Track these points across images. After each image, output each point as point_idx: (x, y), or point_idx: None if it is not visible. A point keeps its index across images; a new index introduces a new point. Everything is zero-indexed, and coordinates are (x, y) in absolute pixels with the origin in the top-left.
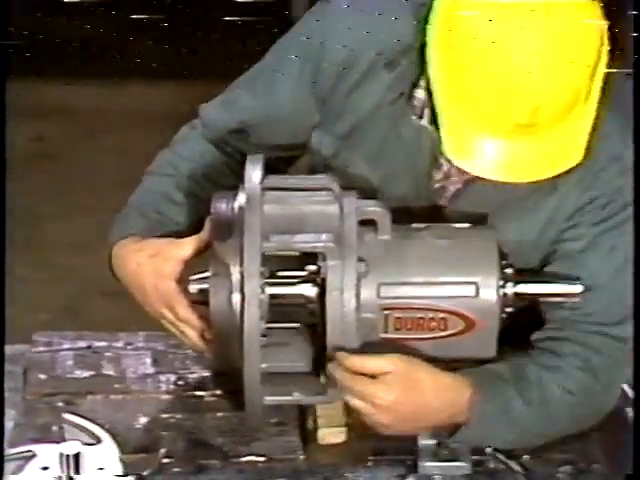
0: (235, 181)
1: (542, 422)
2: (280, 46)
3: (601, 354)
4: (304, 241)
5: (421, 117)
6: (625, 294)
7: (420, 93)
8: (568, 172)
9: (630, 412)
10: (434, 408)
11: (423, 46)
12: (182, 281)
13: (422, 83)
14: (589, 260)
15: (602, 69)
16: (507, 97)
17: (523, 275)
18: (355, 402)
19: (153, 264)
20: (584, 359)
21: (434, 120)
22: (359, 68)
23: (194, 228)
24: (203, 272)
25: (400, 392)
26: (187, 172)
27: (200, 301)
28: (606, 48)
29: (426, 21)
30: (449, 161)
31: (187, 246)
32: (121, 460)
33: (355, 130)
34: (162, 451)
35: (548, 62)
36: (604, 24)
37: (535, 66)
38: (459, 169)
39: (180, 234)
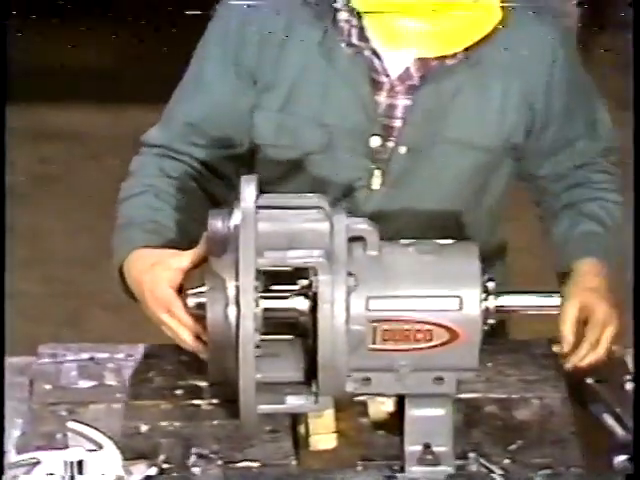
0: (202, 186)
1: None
2: (198, 51)
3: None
4: (296, 257)
5: (351, 42)
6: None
7: (343, 15)
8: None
9: (609, 419)
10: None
11: None
12: (180, 289)
13: (340, 1)
14: (566, 127)
15: None
16: None
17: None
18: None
19: (153, 272)
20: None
21: (361, 36)
22: (278, 26)
23: (187, 233)
24: (200, 286)
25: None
26: (158, 186)
27: (197, 314)
28: None
29: None
30: (387, 75)
31: (186, 257)
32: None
33: (293, 91)
34: (161, 457)
35: None
36: None
37: None
38: (401, 78)
39: (179, 245)
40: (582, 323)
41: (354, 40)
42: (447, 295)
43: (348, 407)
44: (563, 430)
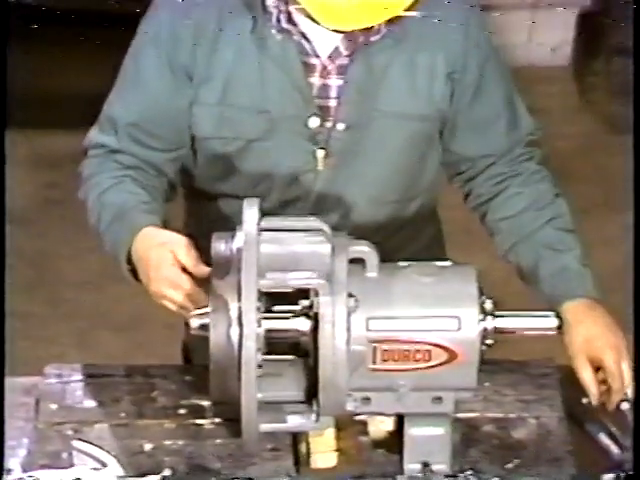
0: (158, 178)
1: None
2: (133, 49)
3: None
4: (298, 278)
5: (281, 27)
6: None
7: (271, 1)
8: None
9: (605, 438)
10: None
11: None
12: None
13: None
14: (489, 102)
15: None
16: None
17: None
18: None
19: (159, 250)
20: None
21: (290, 19)
22: (210, 20)
23: None
24: (203, 308)
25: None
26: (129, 175)
27: (200, 335)
28: None
29: None
30: (318, 56)
31: (178, 239)
32: None
33: (230, 81)
34: (165, 473)
35: None
36: None
37: None
38: (331, 58)
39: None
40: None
41: (284, 24)
42: (445, 316)
43: (348, 426)
44: (559, 449)
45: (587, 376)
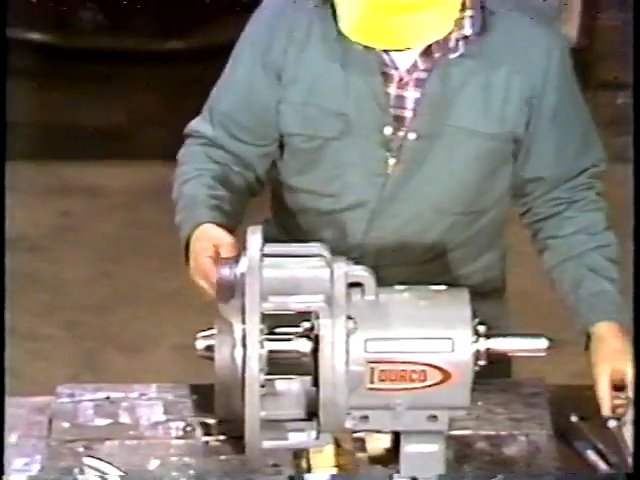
0: (240, 175)
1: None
2: (234, 52)
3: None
4: (299, 301)
5: None
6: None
7: None
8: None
9: (592, 455)
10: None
11: None
12: (217, 261)
13: None
14: (562, 131)
15: None
16: None
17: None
18: None
19: (204, 243)
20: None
21: None
22: (301, 26)
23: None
24: (209, 330)
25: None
26: (211, 169)
27: (206, 356)
28: None
29: None
30: (396, 68)
31: (226, 238)
32: None
33: (314, 84)
34: None
35: None
36: None
37: None
38: (409, 71)
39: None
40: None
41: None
42: (440, 337)
43: (347, 442)
44: (548, 465)
45: (604, 385)
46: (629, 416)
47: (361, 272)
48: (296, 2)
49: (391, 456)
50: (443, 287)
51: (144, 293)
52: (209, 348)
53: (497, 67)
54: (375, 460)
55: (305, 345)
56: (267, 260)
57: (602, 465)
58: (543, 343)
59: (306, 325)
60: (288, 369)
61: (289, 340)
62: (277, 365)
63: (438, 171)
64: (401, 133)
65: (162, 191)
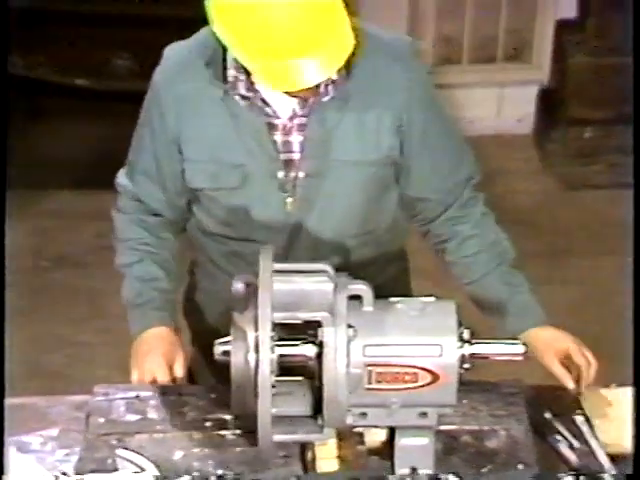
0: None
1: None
2: (141, 115)
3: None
4: (305, 312)
5: (243, 95)
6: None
7: (231, 72)
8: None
9: (564, 447)
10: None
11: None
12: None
13: (229, 64)
14: (436, 149)
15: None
16: (282, 36)
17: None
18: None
19: (157, 359)
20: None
21: (251, 88)
22: (189, 90)
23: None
24: (226, 337)
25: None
26: (149, 250)
27: (223, 360)
28: None
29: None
30: (276, 117)
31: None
32: None
33: (211, 141)
34: (194, 477)
35: (293, 11)
36: None
37: (288, 15)
38: (290, 118)
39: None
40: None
41: (245, 93)
42: (429, 344)
43: (348, 436)
44: (525, 457)
45: (558, 369)
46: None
47: (360, 286)
48: (182, 74)
49: (387, 448)
50: (432, 299)
51: None
52: (226, 353)
53: (365, 105)
54: (372, 452)
55: (311, 350)
56: (277, 276)
57: (572, 456)
58: (520, 348)
59: (312, 333)
60: (296, 371)
61: (296, 346)
62: (286, 368)
63: (331, 201)
64: (292, 174)
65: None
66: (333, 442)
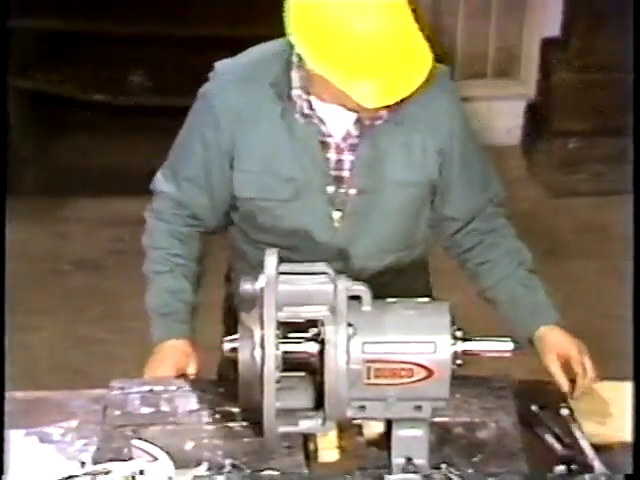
0: (202, 241)
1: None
2: (186, 124)
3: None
4: (308, 311)
5: (304, 113)
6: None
7: (296, 92)
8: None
9: (550, 438)
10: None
11: (289, 60)
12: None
13: (294, 84)
14: (469, 170)
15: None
16: (371, 49)
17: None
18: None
19: (166, 366)
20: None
21: (310, 107)
22: (250, 107)
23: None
24: (233, 334)
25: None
26: (176, 262)
27: (231, 356)
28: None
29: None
30: (330, 136)
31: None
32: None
33: (266, 155)
34: (204, 466)
35: (386, 28)
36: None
37: (379, 23)
38: (344, 138)
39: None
40: (565, 366)
41: (305, 111)
42: (424, 341)
43: (348, 428)
44: (514, 447)
45: (555, 370)
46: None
47: (359, 287)
48: (241, 89)
49: (384, 439)
50: (427, 299)
51: None
52: (233, 350)
53: (414, 129)
54: (371, 443)
55: (313, 347)
56: (282, 277)
57: (557, 446)
58: (509, 345)
59: (314, 331)
60: (299, 367)
61: (300, 343)
62: (290, 364)
63: (376, 218)
64: (342, 190)
65: None
66: (334, 433)
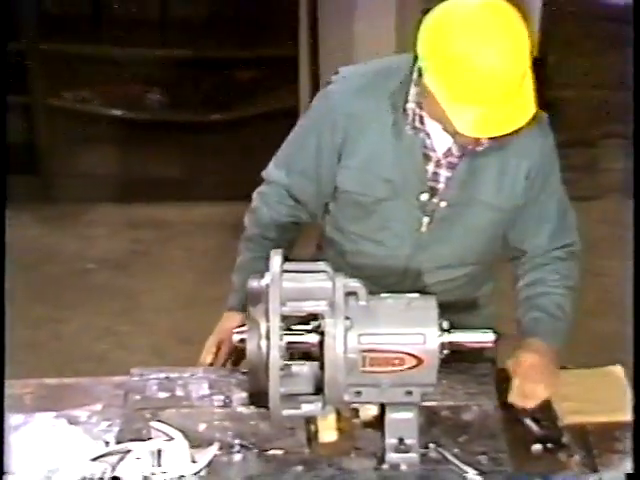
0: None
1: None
2: (303, 122)
3: (570, 262)
4: (309, 306)
5: (414, 125)
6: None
7: (410, 105)
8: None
9: (528, 420)
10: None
11: (408, 75)
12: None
13: (410, 98)
14: (544, 205)
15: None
16: (487, 82)
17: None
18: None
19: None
20: (567, 270)
21: (421, 121)
22: (365, 112)
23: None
24: (242, 327)
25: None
26: (270, 240)
27: (240, 346)
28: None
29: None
30: (435, 151)
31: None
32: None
33: (371, 156)
34: (215, 446)
35: (507, 57)
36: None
37: (501, 60)
38: (445, 155)
39: None
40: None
41: (416, 124)
42: (414, 333)
43: (345, 411)
44: (495, 428)
45: (513, 397)
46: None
47: (356, 284)
48: (361, 95)
49: (378, 422)
50: (416, 295)
51: (196, 299)
52: (242, 340)
53: (508, 157)
54: (366, 425)
55: (314, 338)
56: (285, 275)
57: (535, 427)
58: (491, 336)
59: (315, 323)
60: (301, 356)
61: (302, 334)
62: (293, 353)
63: (461, 231)
64: (435, 200)
65: (208, 225)
66: (333, 416)
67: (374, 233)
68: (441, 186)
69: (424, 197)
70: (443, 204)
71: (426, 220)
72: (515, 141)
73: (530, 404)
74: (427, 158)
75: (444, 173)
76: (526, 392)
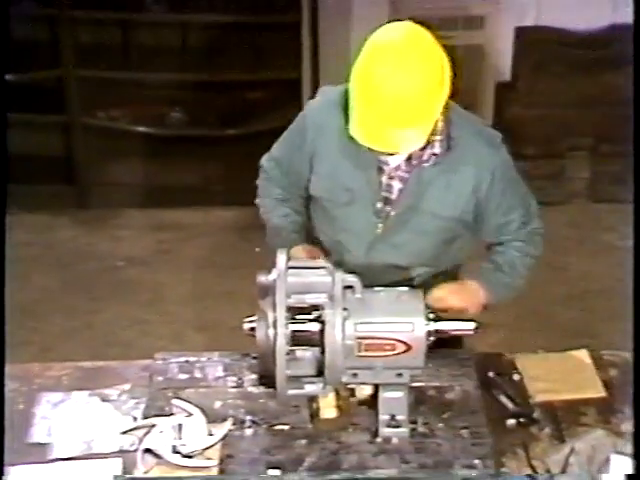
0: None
1: (520, 280)
2: (290, 128)
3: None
4: (311, 298)
5: None
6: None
7: None
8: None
9: (504, 398)
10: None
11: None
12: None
13: None
14: (509, 202)
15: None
16: (373, 98)
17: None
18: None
19: (298, 252)
20: (529, 241)
21: None
22: (331, 129)
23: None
24: (252, 316)
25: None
26: (280, 205)
27: (250, 334)
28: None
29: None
30: (387, 164)
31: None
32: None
33: (335, 166)
34: (229, 421)
35: (400, 79)
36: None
37: (393, 80)
38: (395, 168)
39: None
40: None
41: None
42: (404, 322)
43: (343, 391)
44: (475, 405)
45: (430, 300)
46: None
47: (353, 279)
48: (327, 110)
49: (373, 400)
50: (406, 289)
51: (212, 292)
52: (252, 329)
53: (455, 174)
54: (362, 403)
55: (315, 327)
56: (290, 270)
57: (510, 405)
58: (471, 325)
59: (316, 314)
60: (304, 342)
61: (304, 323)
62: (297, 340)
63: (410, 236)
64: (387, 208)
65: (223, 227)
66: (332, 395)
67: (337, 234)
68: (393, 196)
69: (379, 205)
70: (394, 212)
71: (380, 225)
72: (464, 159)
73: (440, 305)
74: (380, 170)
75: (396, 185)
76: (441, 297)
